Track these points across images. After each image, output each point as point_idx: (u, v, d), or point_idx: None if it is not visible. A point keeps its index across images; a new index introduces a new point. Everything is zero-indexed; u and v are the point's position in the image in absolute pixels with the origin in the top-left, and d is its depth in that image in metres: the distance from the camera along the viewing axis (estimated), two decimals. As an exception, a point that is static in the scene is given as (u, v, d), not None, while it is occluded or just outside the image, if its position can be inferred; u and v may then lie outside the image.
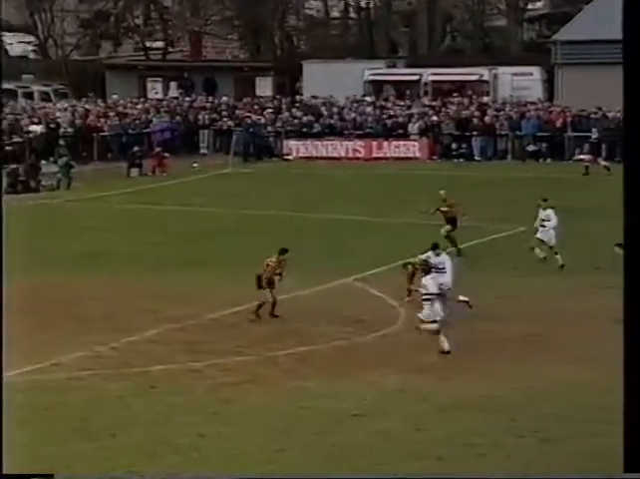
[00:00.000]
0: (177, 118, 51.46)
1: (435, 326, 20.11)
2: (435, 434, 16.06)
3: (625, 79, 10.70)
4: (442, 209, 28.44)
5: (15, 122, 48.10)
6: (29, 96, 54.67)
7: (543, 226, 26.81)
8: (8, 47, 65.13)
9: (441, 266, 22.06)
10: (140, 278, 26.22)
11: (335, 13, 65.44)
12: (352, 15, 64.78)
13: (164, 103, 53.39)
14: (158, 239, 31.11)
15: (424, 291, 20.51)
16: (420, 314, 20.64)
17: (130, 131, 49.17)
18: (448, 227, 28.17)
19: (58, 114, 49.82)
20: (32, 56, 64.27)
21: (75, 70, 58.80)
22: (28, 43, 64.76)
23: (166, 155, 46.34)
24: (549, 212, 26.92)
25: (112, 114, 50.43)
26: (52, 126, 48.30)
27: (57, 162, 43.65)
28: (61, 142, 47.23)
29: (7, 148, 45.71)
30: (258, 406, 17.52)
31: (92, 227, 33.33)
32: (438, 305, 20.24)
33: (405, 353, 20.17)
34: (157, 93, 56.12)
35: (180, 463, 15.31)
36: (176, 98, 54.71)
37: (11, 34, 65.04)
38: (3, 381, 11.52)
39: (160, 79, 56.94)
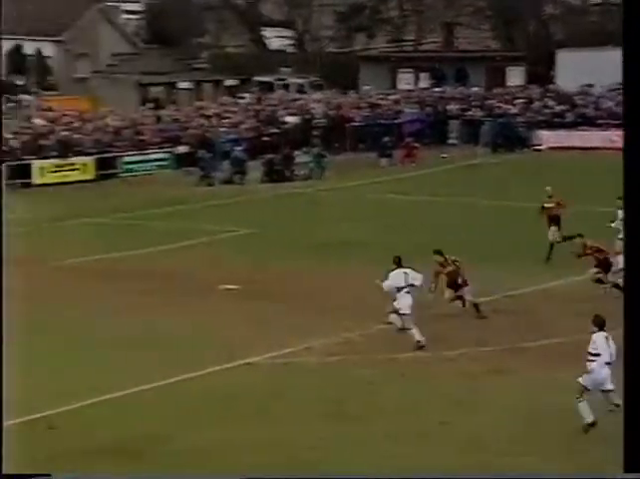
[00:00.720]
0: (427, 108, 51.62)
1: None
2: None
3: (625, 78, 10.34)
4: (546, 205, 27.33)
5: (272, 113, 49.51)
6: (285, 88, 56.14)
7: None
8: (267, 41, 67.11)
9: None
10: (386, 266, 26.48)
11: (595, -1, 63.86)
12: (613, 0, 62.95)
13: (415, 93, 53.67)
14: (404, 229, 31.33)
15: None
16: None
17: (381, 121, 49.70)
18: (554, 228, 26.93)
19: (312, 105, 50.93)
20: (289, 49, 65.91)
21: (329, 62, 59.95)
22: (286, 37, 66.47)
23: (416, 145, 46.61)
24: None
25: (364, 105, 51.13)
26: (306, 117, 49.43)
27: (310, 152, 44.64)
28: (314, 132, 48.26)
29: (264, 138, 47.16)
30: (503, 396, 17.47)
31: (342, 215, 33.94)
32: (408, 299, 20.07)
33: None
34: (407, 84, 56.49)
35: (423, 450, 15.47)
36: (427, 89, 54.88)
37: (270, 29, 66.99)
38: (3, 381, 11.66)
39: (411, 70, 57.26)
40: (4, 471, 11.80)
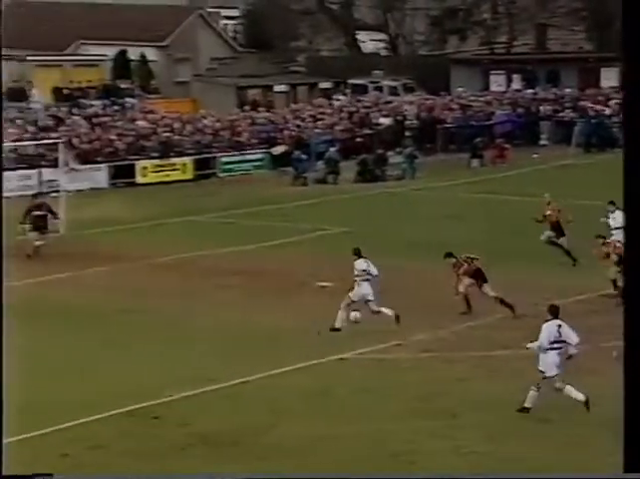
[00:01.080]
0: (519, 110, 51.02)
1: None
2: None
3: (625, 78, 9.95)
4: (545, 213, 27.30)
5: (365, 115, 49.41)
6: (379, 90, 55.99)
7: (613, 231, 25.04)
8: (361, 45, 67.00)
9: None
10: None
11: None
12: None
13: (507, 95, 53.12)
14: (494, 228, 30.97)
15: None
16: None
17: (472, 123, 49.28)
18: (549, 233, 26.98)
19: (405, 107, 50.70)
20: (383, 53, 65.74)
21: (422, 65, 59.62)
22: (379, 40, 66.30)
23: (507, 146, 46.11)
24: (617, 214, 25.09)
25: (455, 107, 50.74)
26: (399, 118, 49.24)
27: (402, 152, 44.44)
28: (407, 134, 48.04)
29: (357, 139, 47.09)
30: (598, 396, 17.06)
31: (434, 215, 33.71)
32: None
33: None
34: (499, 86, 55.91)
35: (522, 445, 15.25)
36: (519, 90, 54.27)
37: (364, 32, 66.88)
38: (3, 381, 11.53)
39: (503, 72, 56.68)
40: (4, 472, 11.72)
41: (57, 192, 33.14)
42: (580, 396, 16.33)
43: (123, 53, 56.70)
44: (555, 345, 16.47)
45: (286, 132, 46.41)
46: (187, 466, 14.86)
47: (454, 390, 17.72)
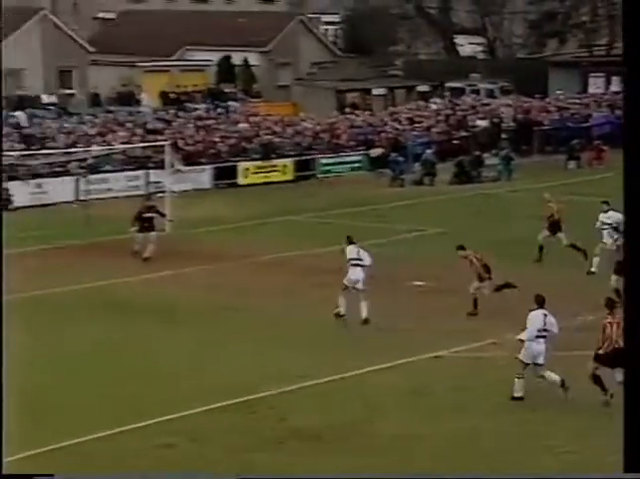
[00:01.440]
0: (618, 112, 50.21)
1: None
2: None
3: (625, 79, 9.69)
4: (545, 211, 27.25)
5: (462, 118, 49.17)
6: (476, 93, 55.68)
7: (604, 228, 25.48)
8: (459, 48, 66.70)
9: None
10: (556, 269, 25.89)
11: None
12: None
13: (606, 97, 52.32)
14: (585, 232, 30.47)
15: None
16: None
17: (569, 125, 48.67)
18: (546, 233, 27.04)
19: (502, 109, 50.32)
20: (480, 56, 65.34)
21: (519, 68, 59.12)
22: (477, 44, 65.92)
23: (604, 148, 45.40)
24: (612, 214, 25.32)
25: (552, 109, 50.19)
26: (495, 121, 48.89)
27: (498, 154, 44.12)
28: (503, 136, 47.67)
29: (454, 141, 46.88)
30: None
31: (529, 216, 33.32)
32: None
33: None
34: (598, 88, 55.13)
35: (605, 444, 15.07)
36: (618, 92, 53.40)
37: (462, 36, 66.58)
38: (3, 381, 11.48)
39: (602, 74, 55.87)
40: (4, 471, 11.79)
41: (163, 192, 33.68)
42: (557, 378, 16.91)
43: (227, 58, 57.39)
44: (542, 334, 16.96)
45: (384, 134, 46.40)
46: (283, 460, 15.01)
47: (551, 390, 17.54)
